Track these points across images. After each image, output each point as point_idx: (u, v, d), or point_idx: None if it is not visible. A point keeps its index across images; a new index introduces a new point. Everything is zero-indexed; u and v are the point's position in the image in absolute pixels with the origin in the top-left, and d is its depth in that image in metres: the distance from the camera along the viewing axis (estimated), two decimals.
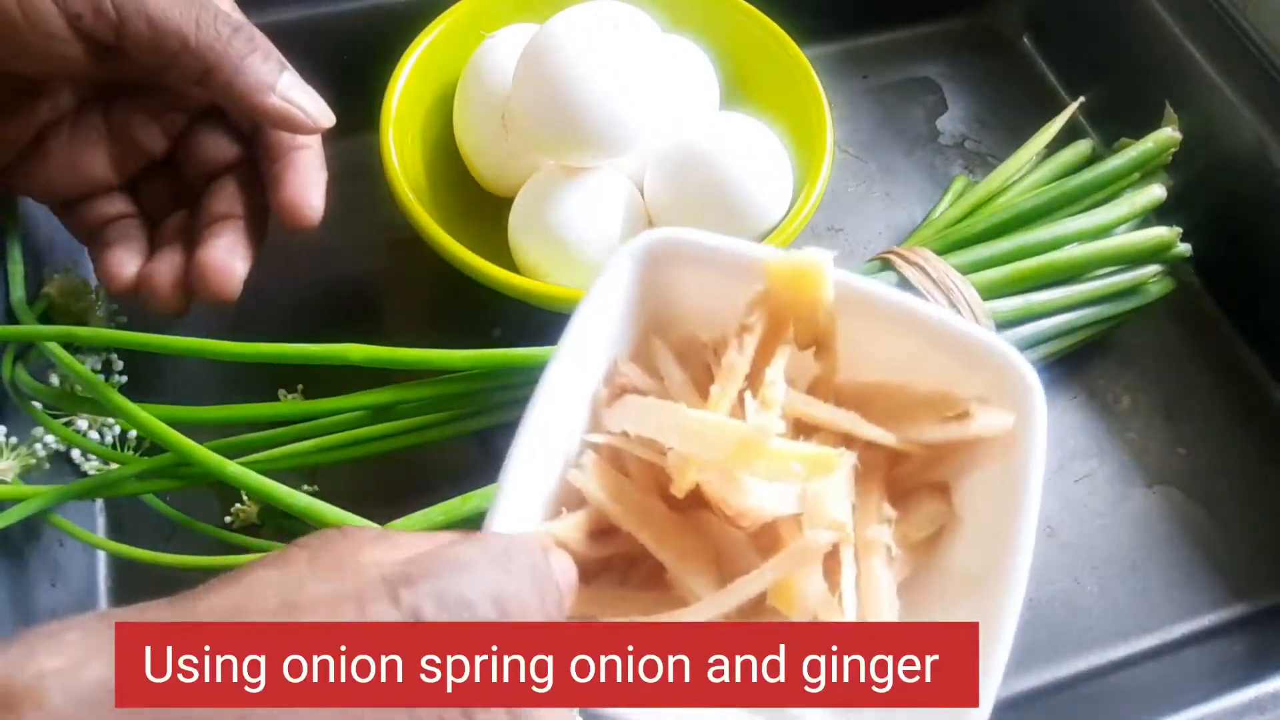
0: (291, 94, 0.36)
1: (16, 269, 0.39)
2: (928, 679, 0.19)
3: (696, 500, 0.22)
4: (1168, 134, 0.45)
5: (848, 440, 0.24)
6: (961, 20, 0.59)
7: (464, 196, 0.45)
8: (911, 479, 0.25)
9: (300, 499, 0.32)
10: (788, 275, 0.23)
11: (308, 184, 0.37)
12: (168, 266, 0.37)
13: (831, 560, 0.22)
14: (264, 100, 0.35)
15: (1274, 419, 0.47)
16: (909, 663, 0.19)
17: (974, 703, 0.20)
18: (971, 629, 0.20)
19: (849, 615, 0.22)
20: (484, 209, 0.44)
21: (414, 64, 0.43)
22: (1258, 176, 0.47)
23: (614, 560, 0.23)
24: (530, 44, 0.38)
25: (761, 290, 0.23)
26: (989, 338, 0.25)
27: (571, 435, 0.23)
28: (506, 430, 0.39)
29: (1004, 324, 0.41)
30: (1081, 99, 0.51)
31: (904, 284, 0.41)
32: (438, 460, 0.41)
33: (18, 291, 0.39)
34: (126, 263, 0.38)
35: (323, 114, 0.37)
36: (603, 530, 0.22)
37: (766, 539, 0.22)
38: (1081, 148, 0.48)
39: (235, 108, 0.36)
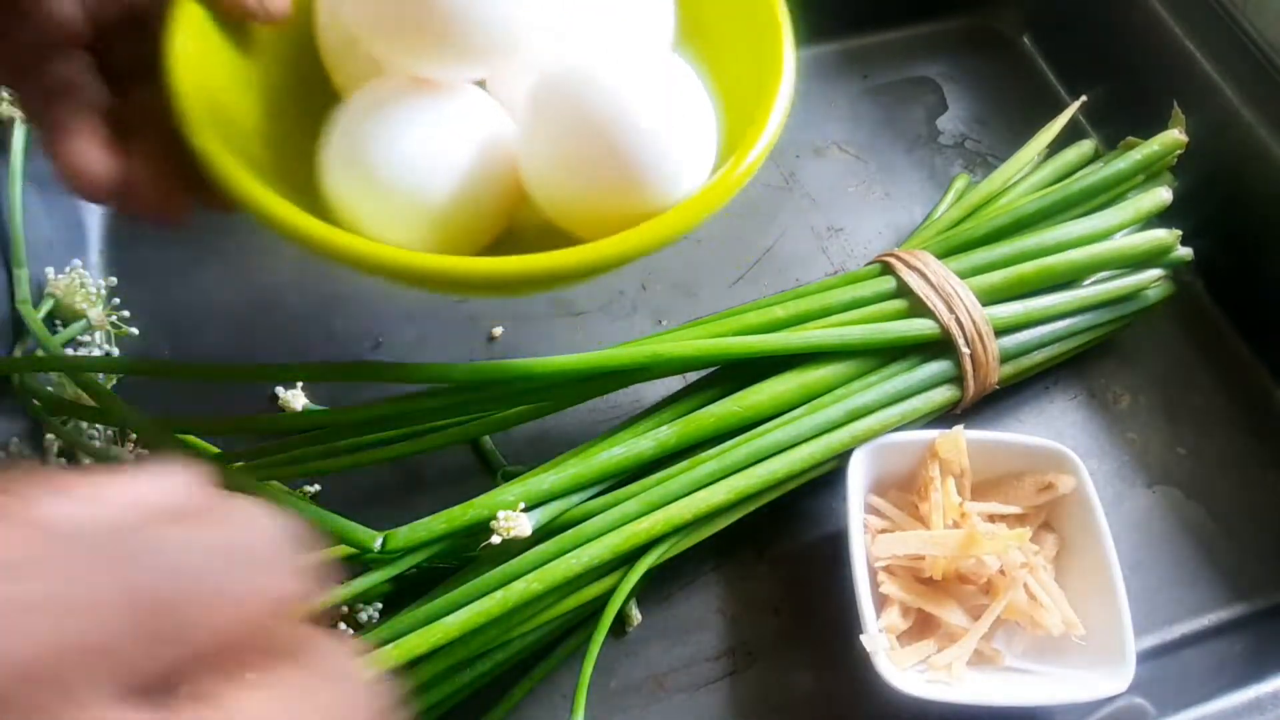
0: None
1: (21, 273, 0.39)
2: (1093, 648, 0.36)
3: (941, 579, 0.37)
4: (1173, 136, 0.45)
5: (991, 516, 0.39)
6: (961, 20, 0.59)
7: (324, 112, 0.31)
8: (1032, 524, 0.39)
9: (305, 510, 0.33)
10: (947, 442, 0.39)
11: None
12: (147, 163, 0.30)
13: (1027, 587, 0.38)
14: None
15: (1274, 419, 0.47)
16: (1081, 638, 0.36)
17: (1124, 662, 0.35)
18: (1118, 618, 0.36)
19: (1049, 611, 0.36)
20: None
21: None
22: (1258, 177, 0.47)
23: (916, 623, 0.38)
24: None
25: (933, 451, 0.39)
26: (1042, 441, 0.40)
27: (863, 563, 0.37)
28: (503, 437, 0.40)
29: (1004, 330, 0.41)
30: (1084, 98, 0.51)
31: (903, 289, 0.41)
32: (437, 463, 0.41)
33: (23, 293, 0.39)
34: (90, 153, 0.30)
35: (277, 5, 0.31)
36: (905, 610, 0.37)
37: (986, 586, 0.37)
38: (1084, 148, 0.48)
39: None
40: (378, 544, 0.33)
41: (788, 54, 0.32)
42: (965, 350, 0.40)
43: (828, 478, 0.40)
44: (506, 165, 0.30)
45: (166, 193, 0.31)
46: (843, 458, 0.39)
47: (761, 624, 0.40)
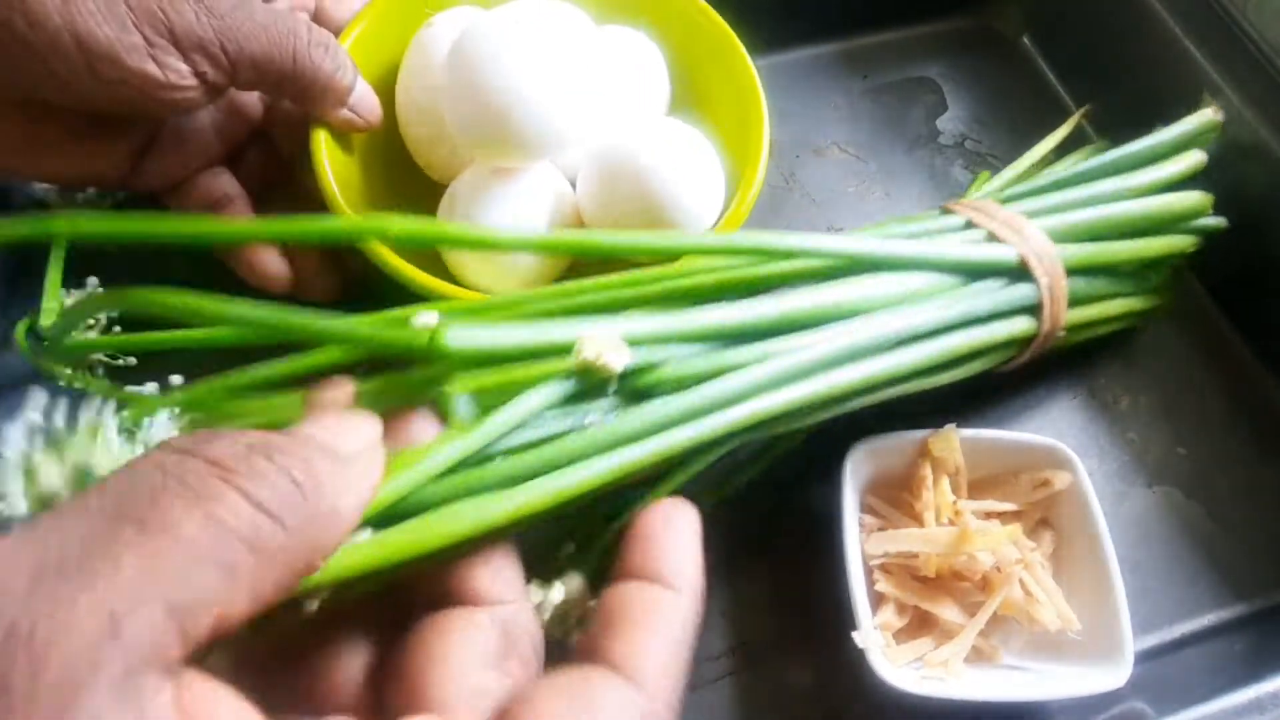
0: (358, 106, 0.39)
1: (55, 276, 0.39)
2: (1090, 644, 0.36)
3: (936, 576, 0.38)
4: (1209, 115, 0.44)
5: (987, 514, 0.39)
6: (961, 20, 0.59)
7: (410, 189, 0.43)
8: (1030, 521, 0.40)
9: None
10: (939, 441, 0.39)
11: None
12: (303, 257, 0.39)
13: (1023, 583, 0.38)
14: (335, 115, 0.39)
15: (1274, 419, 0.47)
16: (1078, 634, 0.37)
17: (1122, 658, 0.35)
18: (1115, 614, 0.36)
19: (1045, 606, 0.37)
20: (434, 203, 0.42)
21: (350, 45, 0.41)
22: (1259, 178, 0.47)
23: (913, 620, 0.38)
24: (455, 45, 0.38)
25: (926, 450, 0.39)
26: (1038, 437, 0.40)
27: (857, 561, 0.37)
28: None
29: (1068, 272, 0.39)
30: (1088, 106, 0.50)
31: (971, 227, 0.39)
32: None
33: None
34: (272, 260, 0.39)
35: (374, 115, 0.40)
36: (901, 607, 0.38)
37: (982, 583, 0.38)
38: (1095, 149, 0.48)
39: (311, 115, 0.39)
40: (428, 330, 0.25)
41: (764, 109, 0.41)
42: (1044, 278, 0.38)
43: (828, 477, 0.40)
44: (569, 214, 0.41)
45: (326, 279, 0.40)
46: (931, 376, 0.36)
47: (761, 624, 0.40)
